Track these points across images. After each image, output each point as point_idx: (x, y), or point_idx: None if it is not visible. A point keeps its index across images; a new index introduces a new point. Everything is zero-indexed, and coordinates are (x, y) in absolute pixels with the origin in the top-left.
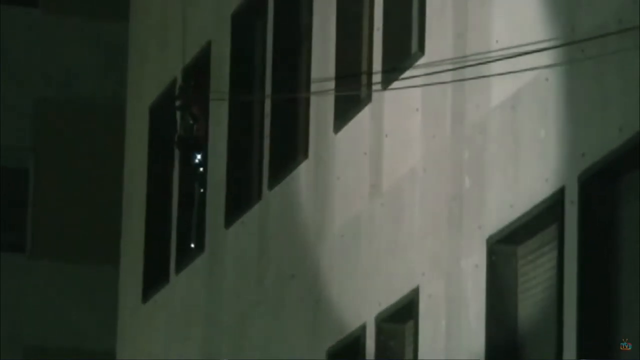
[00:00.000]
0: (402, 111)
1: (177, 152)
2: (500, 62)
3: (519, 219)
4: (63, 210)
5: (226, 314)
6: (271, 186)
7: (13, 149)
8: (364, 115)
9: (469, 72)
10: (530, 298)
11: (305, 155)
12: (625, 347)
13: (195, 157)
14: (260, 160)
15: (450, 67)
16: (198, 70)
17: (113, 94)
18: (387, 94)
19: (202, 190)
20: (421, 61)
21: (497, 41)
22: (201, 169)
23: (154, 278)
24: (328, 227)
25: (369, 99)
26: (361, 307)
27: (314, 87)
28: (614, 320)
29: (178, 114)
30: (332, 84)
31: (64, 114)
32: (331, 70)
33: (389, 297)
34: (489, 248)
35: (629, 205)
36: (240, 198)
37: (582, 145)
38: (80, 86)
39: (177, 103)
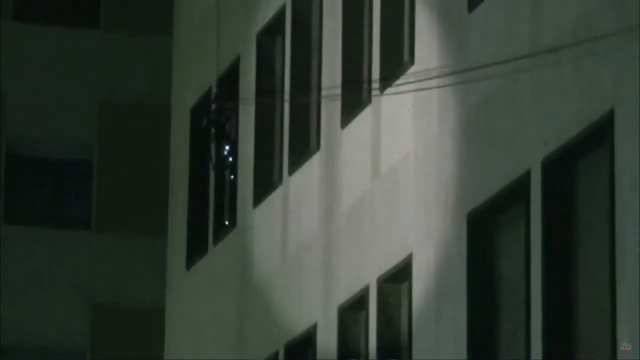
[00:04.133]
0: (396, 110)
1: (212, 146)
2: (476, 69)
3: (494, 196)
4: (121, 193)
5: (255, 279)
6: (291, 172)
7: (80, 145)
8: (365, 114)
9: (450, 78)
10: (504, 259)
11: (318, 147)
12: (625, 347)
13: (227, 149)
14: (281, 151)
15: (435, 74)
16: (230, 79)
17: (161, 97)
18: (384, 96)
19: (233, 176)
20: (411, 70)
21: (473, 52)
22: (231, 159)
23: (196, 249)
24: (337, 205)
25: (369, 101)
26: (365, 270)
27: (324, 92)
28: (570, 268)
29: (213, 115)
30: (339, 89)
31: (121, 115)
32: (338, 78)
33: (388, 262)
34: (469, 220)
35: (582, 183)
36: (266, 182)
37: (545, 135)
38: (134, 91)
39: (213, 106)
